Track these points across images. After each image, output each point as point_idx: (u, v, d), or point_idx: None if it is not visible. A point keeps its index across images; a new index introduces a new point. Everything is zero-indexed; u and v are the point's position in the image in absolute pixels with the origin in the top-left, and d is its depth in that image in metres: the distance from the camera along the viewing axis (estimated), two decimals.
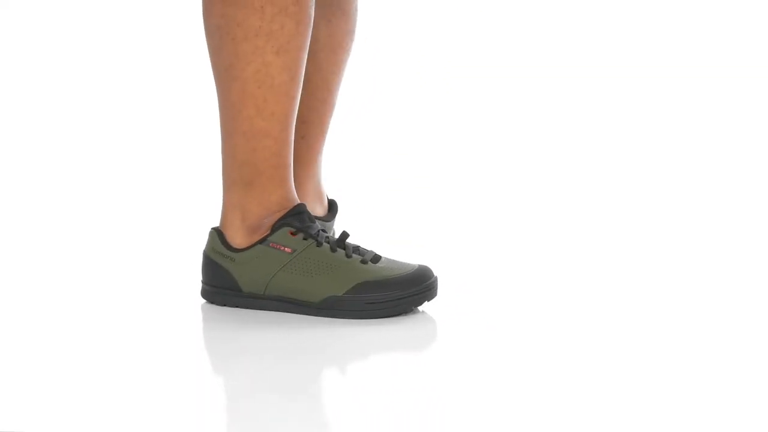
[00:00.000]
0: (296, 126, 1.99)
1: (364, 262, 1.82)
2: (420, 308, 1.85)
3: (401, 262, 1.85)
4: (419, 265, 1.84)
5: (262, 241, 1.84)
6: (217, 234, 1.87)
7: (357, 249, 1.85)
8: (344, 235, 1.85)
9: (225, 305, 1.86)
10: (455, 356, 1.68)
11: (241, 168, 1.83)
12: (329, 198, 2.07)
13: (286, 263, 1.83)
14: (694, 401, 1.48)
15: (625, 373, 1.58)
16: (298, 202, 1.87)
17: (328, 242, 1.84)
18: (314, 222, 1.85)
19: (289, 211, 1.84)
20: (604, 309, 1.90)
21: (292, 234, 1.83)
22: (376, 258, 1.83)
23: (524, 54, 3.51)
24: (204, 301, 1.89)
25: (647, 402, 1.47)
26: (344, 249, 1.84)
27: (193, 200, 2.68)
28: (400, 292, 1.81)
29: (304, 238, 1.83)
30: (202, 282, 1.89)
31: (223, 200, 1.87)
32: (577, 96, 3.44)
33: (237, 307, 1.85)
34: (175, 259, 2.18)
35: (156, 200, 2.77)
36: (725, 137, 3.25)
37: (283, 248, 1.83)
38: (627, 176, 2.98)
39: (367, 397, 1.51)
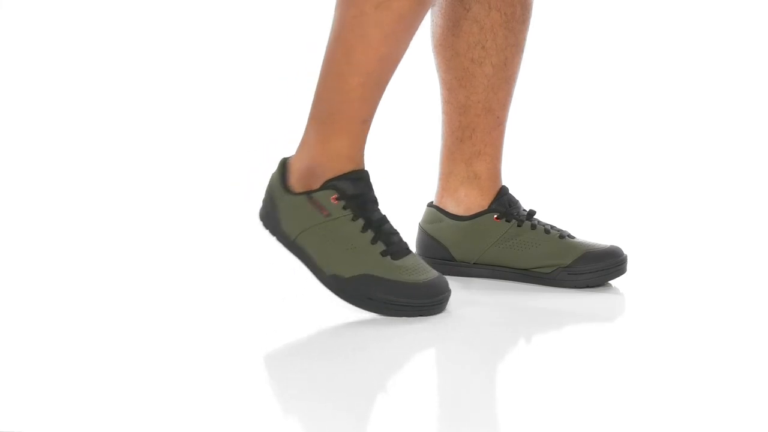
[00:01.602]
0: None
1: (386, 253, 1.80)
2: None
3: (424, 266, 1.82)
4: (437, 276, 1.82)
5: (308, 193, 1.84)
6: (281, 168, 1.88)
7: (390, 237, 1.82)
8: (382, 220, 1.84)
9: (271, 234, 1.87)
10: (454, 360, 1.68)
11: (318, 104, 1.85)
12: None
13: (317, 224, 1.82)
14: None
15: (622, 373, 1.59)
16: (362, 167, 1.85)
17: (366, 220, 1.82)
18: (367, 192, 1.84)
19: (346, 174, 1.83)
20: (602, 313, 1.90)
21: (335, 199, 1.82)
22: (402, 254, 1.81)
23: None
24: (203, 297, 1.90)
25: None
26: (374, 233, 1.82)
27: (191, 199, 2.70)
28: (407, 300, 1.79)
29: (344, 207, 1.82)
30: (263, 200, 1.90)
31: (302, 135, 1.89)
32: (578, 97, 3.45)
33: (274, 237, 1.86)
34: (175, 258, 2.18)
35: (156, 198, 2.77)
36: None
37: (321, 209, 1.83)
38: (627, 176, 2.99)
39: (368, 397, 1.51)
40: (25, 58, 3.48)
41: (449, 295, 1.82)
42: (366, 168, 1.85)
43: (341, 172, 1.83)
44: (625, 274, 2.00)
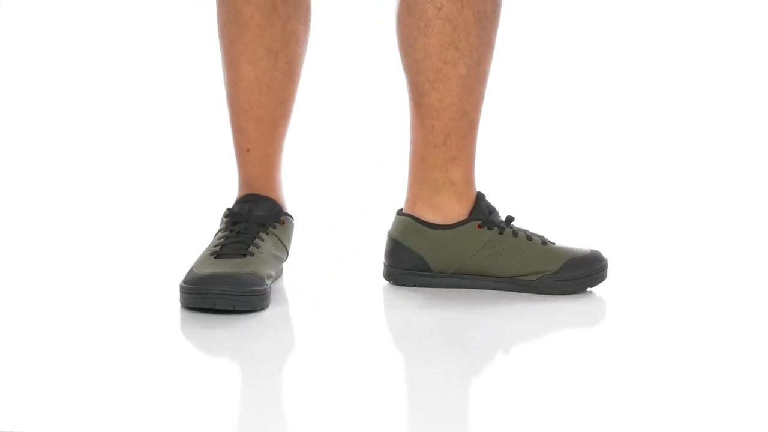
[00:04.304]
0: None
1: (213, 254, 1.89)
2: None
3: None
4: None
5: None
6: None
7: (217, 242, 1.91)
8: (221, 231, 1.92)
9: None
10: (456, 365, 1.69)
11: None
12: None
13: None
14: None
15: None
16: (261, 192, 1.99)
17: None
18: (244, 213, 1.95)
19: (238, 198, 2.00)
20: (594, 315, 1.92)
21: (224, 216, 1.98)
22: (226, 255, 1.89)
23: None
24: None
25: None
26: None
27: (191, 200, 2.69)
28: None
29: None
30: None
31: None
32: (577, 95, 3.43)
33: None
34: (174, 258, 2.15)
35: (157, 199, 2.75)
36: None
37: None
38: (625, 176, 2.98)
39: (364, 399, 1.53)
40: (25, 58, 3.47)
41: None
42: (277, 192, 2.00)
43: (237, 197, 2.00)
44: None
